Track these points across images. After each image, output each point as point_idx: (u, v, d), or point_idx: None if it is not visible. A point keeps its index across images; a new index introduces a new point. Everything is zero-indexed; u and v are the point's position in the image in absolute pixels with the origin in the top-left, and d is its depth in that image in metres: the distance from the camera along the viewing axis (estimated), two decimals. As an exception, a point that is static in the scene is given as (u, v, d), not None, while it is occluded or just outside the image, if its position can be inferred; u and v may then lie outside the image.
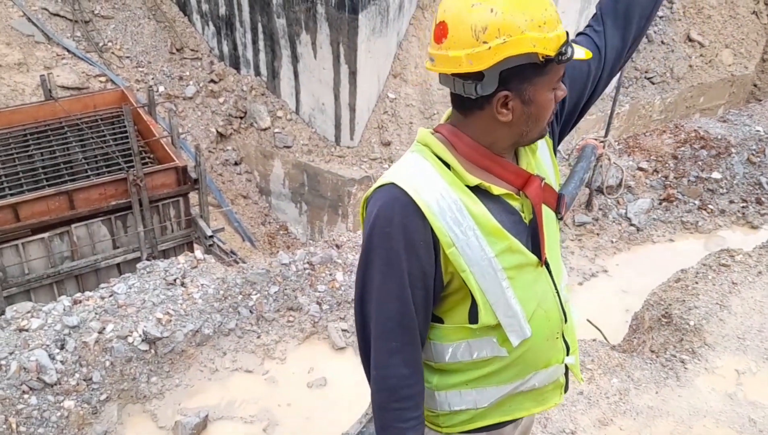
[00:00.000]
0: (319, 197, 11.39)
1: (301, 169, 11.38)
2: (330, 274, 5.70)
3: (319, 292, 5.54)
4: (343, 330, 5.34)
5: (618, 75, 7.80)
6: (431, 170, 1.78)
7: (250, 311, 5.29)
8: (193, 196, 8.77)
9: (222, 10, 11.86)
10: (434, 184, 1.75)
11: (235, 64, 12.13)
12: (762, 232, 6.85)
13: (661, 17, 14.24)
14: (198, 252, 6.35)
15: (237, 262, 8.16)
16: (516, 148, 1.87)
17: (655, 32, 14.14)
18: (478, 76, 1.70)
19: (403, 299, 1.76)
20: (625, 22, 2.04)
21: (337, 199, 11.19)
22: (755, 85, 15.64)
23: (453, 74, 1.72)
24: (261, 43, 11.68)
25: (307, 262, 5.73)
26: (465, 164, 1.79)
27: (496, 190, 1.79)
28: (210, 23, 12.16)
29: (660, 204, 7.20)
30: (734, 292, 4.97)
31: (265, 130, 11.60)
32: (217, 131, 11.56)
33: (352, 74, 10.94)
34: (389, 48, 11.39)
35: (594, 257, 6.79)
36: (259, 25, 11.55)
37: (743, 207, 7.13)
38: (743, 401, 4.11)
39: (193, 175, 8.27)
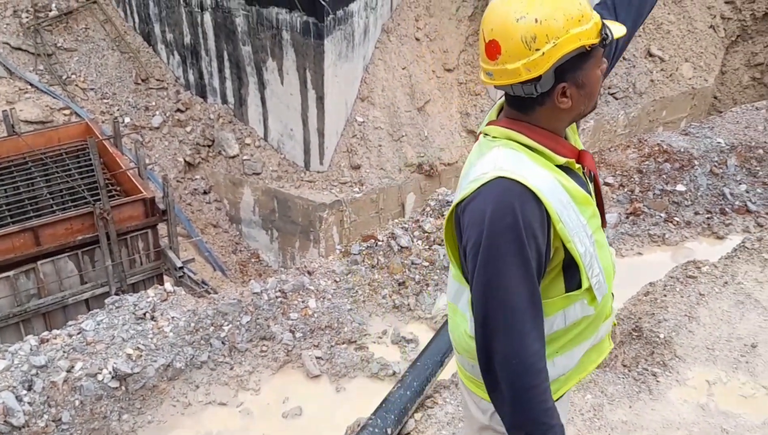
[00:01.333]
0: (290, 223, 11.35)
1: (271, 196, 11.34)
2: (302, 302, 5.67)
3: (292, 320, 5.50)
4: (318, 357, 5.29)
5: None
6: (525, 157, 1.92)
7: (223, 342, 5.22)
8: (162, 228, 8.69)
9: (187, 39, 11.85)
10: (533, 169, 1.89)
11: (202, 92, 12.10)
12: (727, 242, 6.96)
13: (621, 34, 14.54)
14: (168, 284, 6.27)
15: (208, 293, 8.08)
16: None
17: (615, 49, 14.43)
18: (535, 78, 1.86)
19: (530, 280, 1.86)
20: (638, 15, 2.32)
21: (309, 224, 11.16)
22: (715, 97, 15.99)
23: None
24: (227, 71, 11.67)
25: (279, 290, 5.69)
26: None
27: (575, 165, 2.01)
28: (175, 52, 12.13)
29: (627, 218, 7.30)
30: (702, 303, 5.03)
31: (233, 157, 11.56)
32: (185, 160, 11.50)
33: (320, 99, 10.97)
34: (356, 72, 11.46)
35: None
36: (225, 53, 11.55)
37: (708, 218, 7.24)
38: (715, 411, 4.15)
39: (161, 206, 8.20)
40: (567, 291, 2.01)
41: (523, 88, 1.89)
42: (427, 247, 6.39)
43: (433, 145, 12.04)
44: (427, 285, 6.07)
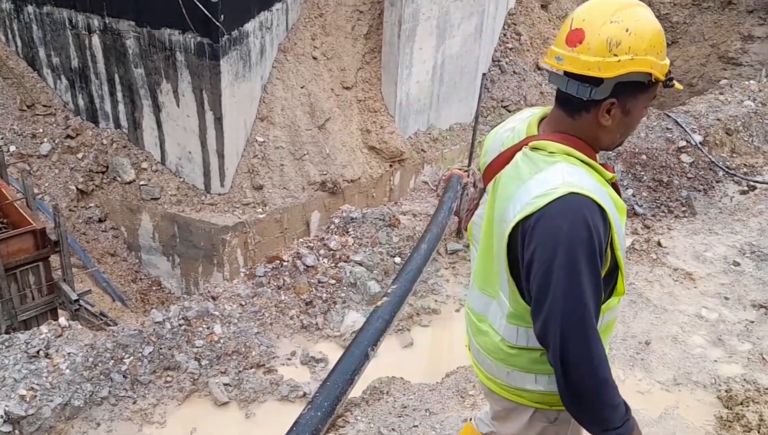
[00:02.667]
0: (193, 248, 11.06)
1: (171, 221, 11.03)
2: (208, 328, 5.53)
3: (197, 347, 5.35)
4: (225, 384, 5.17)
5: (476, 106, 8.16)
6: (585, 173, 2.01)
7: (124, 376, 5.02)
8: (55, 259, 8.28)
9: (75, 63, 11.41)
10: (594, 184, 2.00)
11: (93, 117, 11.66)
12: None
13: (510, 49, 15.08)
14: (62, 319, 5.98)
15: (108, 325, 7.76)
16: None
17: (506, 63, 14.95)
18: (596, 82, 1.98)
19: (600, 289, 1.98)
20: None
21: (211, 248, 10.91)
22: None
23: (571, 76, 2.00)
24: (119, 95, 11.30)
25: (182, 318, 5.53)
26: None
27: (614, 180, 2.14)
28: (62, 77, 11.65)
29: (525, 226, 7.53)
30: (598, 304, 5.25)
31: (129, 183, 11.18)
32: (78, 188, 11.02)
33: (218, 120, 10.80)
34: (254, 92, 11.35)
35: (468, 283, 6.99)
36: (116, 76, 11.19)
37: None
38: (615, 408, 4.31)
39: (53, 237, 7.83)
40: (606, 298, 2.13)
41: (579, 87, 1.99)
42: (333, 264, 6.38)
43: (335, 162, 12.06)
44: (335, 303, 6.06)
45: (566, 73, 2.03)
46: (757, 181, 7.50)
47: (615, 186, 2.19)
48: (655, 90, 2.05)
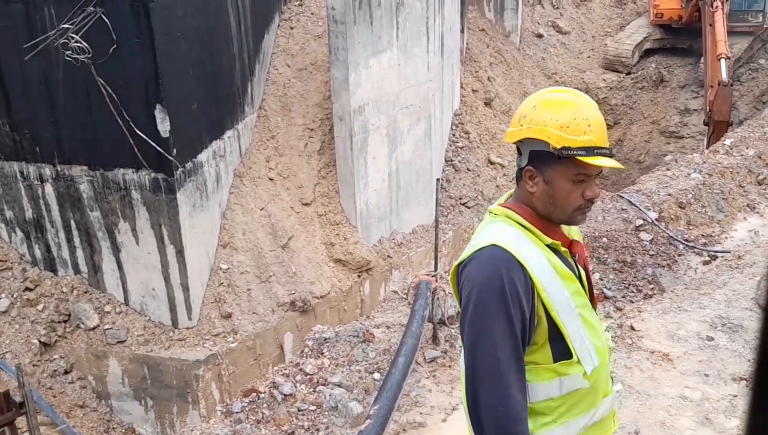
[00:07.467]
0: (165, 388, 10.70)
1: (140, 363, 10.70)
2: (186, 477, 5.27)
3: (177, 500, 5.08)
4: None
5: (435, 208, 8.26)
6: (517, 232, 2.20)
7: None
8: (21, 421, 7.91)
9: (28, 214, 11.33)
10: (523, 242, 2.17)
11: (51, 266, 11.48)
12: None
13: (461, 148, 15.49)
14: (31, 488, 5.65)
15: (81, 484, 7.35)
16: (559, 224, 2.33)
17: (459, 162, 15.31)
18: (518, 148, 2.25)
19: (514, 337, 2.07)
20: None
21: (185, 385, 10.57)
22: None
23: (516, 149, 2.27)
24: (76, 240, 11.20)
25: (159, 470, 5.28)
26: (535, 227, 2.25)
27: (562, 247, 2.27)
28: (17, 229, 11.53)
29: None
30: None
31: (93, 329, 10.90)
32: (40, 341, 10.70)
33: (180, 253, 10.72)
34: (213, 220, 11.37)
35: (451, 390, 6.83)
36: (72, 221, 11.12)
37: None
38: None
39: (18, 398, 7.49)
40: (555, 359, 2.20)
41: (516, 158, 2.28)
42: (311, 389, 6.22)
43: (302, 280, 11.99)
44: (318, 430, 5.86)
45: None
46: (717, 251, 7.64)
47: (573, 254, 2.32)
48: (574, 165, 2.12)
